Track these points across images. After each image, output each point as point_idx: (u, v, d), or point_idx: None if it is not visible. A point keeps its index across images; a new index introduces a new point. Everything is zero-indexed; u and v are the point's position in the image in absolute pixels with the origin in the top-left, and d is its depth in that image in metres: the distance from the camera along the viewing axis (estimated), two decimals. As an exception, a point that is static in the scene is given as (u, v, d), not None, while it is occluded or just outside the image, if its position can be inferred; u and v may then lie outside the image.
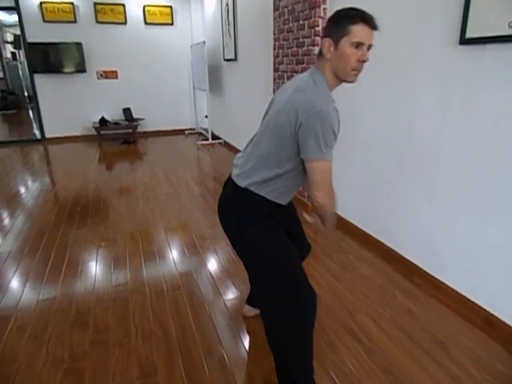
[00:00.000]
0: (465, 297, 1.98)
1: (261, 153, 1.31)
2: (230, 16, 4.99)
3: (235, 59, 5.10)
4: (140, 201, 3.67)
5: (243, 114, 5.18)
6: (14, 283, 2.27)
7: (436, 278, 2.14)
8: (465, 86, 1.83)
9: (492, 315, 1.83)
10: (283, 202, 1.38)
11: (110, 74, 6.67)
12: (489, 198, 1.79)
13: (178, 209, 3.48)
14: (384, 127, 2.42)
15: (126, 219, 3.23)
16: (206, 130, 6.56)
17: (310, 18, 2.94)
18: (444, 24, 1.89)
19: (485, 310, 1.87)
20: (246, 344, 1.79)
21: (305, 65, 3.12)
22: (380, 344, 1.77)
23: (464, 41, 1.79)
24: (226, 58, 5.51)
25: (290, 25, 3.28)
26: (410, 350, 1.74)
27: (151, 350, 1.72)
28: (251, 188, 1.32)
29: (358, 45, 1.17)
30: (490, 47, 1.69)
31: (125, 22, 6.50)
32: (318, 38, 2.92)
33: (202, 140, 6.52)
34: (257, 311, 1.97)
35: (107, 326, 1.88)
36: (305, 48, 3.09)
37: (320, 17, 2.87)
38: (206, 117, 7.07)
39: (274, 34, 3.61)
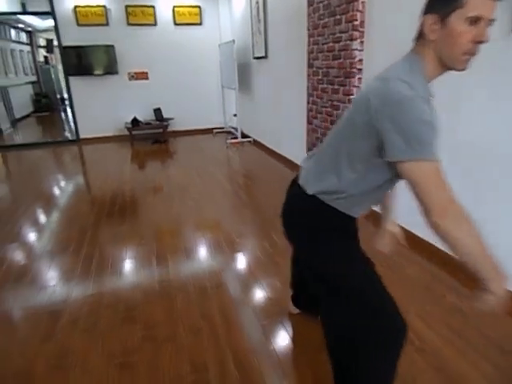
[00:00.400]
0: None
1: (331, 154, 1.13)
2: (261, 13, 4.97)
3: (265, 57, 5.08)
4: (175, 199, 3.72)
5: (273, 112, 5.16)
6: (63, 279, 2.35)
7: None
8: (521, 77, 1.76)
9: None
10: (355, 214, 1.21)
11: (140, 75, 6.80)
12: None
13: (213, 207, 3.50)
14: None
15: (162, 218, 3.28)
16: (235, 129, 6.59)
17: (348, 12, 2.89)
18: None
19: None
20: (293, 341, 1.78)
21: (342, 60, 3.07)
22: (431, 343, 1.72)
23: (521, 29, 1.71)
24: (255, 56, 5.50)
25: (326, 20, 3.23)
26: (461, 348, 1.68)
27: (201, 346, 1.74)
28: (320, 196, 1.15)
29: (476, 20, 0.91)
30: (551, 35, 1.61)
31: (155, 24, 6.60)
32: (356, 33, 2.86)
33: (231, 138, 6.55)
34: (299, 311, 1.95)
35: (155, 321, 1.92)
36: (342, 43, 3.04)
37: (358, 10, 2.82)
38: (235, 115, 7.09)
39: (309, 29, 3.57)
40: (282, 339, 1.79)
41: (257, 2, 5.05)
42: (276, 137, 5.19)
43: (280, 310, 1.99)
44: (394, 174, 1.03)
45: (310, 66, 3.66)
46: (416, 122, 0.90)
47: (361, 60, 2.94)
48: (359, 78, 2.99)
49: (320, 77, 3.49)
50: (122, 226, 3.11)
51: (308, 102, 3.81)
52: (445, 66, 1.01)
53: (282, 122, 4.85)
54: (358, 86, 3.00)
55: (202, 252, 2.65)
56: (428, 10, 0.97)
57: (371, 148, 1.01)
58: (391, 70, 1.02)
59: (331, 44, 3.21)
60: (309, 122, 3.85)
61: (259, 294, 2.14)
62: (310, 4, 3.48)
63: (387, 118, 0.93)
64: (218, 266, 2.46)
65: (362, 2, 2.81)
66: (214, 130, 7.33)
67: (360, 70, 2.96)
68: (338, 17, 3.03)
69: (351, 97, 3.02)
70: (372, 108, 0.96)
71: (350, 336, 1.20)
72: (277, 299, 2.08)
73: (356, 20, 2.84)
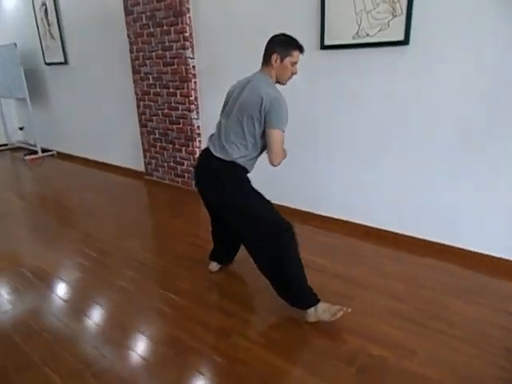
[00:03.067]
0: (344, 220, 2.90)
1: (236, 133, 1.81)
2: (52, 17, 4.64)
3: (65, 63, 4.79)
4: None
5: (89, 120, 4.93)
6: None
7: (322, 215, 3.01)
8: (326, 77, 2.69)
9: (369, 227, 2.80)
10: (250, 169, 1.95)
11: None
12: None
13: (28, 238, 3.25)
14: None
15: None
16: (29, 144, 5.81)
17: (177, 24, 3.29)
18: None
19: (363, 225, 2.82)
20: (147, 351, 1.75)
21: (176, 66, 3.45)
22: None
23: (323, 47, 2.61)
24: (48, 61, 5.05)
25: (151, 30, 3.52)
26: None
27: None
28: (236, 160, 1.83)
29: (294, 63, 1.84)
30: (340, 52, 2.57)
31: None
32: (187, 43, 3.31)
33: (27, 155, 5.72)
34: (219, 266, 2.38)
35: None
36: (174, 51, 3.42)
37: (187, 24, 3.27)
38: (21, 128, 6.24)
39: (130, 37, 3.74)
40: (121, 353, 1.75)
41: (43, 4, 4.66)
42: (98, 145, 4.99)
43: (112, 324, 1.94)
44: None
45: (136, 72, 3.84)
46: (282, 110, 1.73)
47: (194, 66, 3.42)
48: (195, 82, 3.46)
49: (151, 81, 3.74)
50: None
51: (139, 106, 3.98)
52: (277, 81, 1.87)
53: (106, 130, 4.74)
54: (195, 89, 3.48)
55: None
56: (274, 50, 1.80)
57: (260, 126, 1.77)
58: (260, 81, 1.80)
59: (160, 52, 3.53)
60: (143, 125, 4.03)
61: (80, 323, 1.94)
62: (128, 13, 3.65)
63: (271, 107, 1.71)
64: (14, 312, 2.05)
65: (189, 17, 3.28)
66: (-4, 149, 6.17)
67: (194, 74, 3.44)
68: (166, 28, 3.38)
69: (191, 98, 3.46)
70: (263, 104, 1.71)
71: (265, 244, 1.83)
72: (101, 319, 1.99)
73: (186, 32, 3.28)
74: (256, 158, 1.93)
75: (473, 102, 2.18)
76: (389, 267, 2.41)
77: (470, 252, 2.41)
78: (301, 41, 2.71)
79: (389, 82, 2.44)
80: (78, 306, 2.09)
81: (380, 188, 2.69)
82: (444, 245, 2.50)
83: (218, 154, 1.86)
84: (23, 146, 6.09)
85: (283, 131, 1.76)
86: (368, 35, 2.40)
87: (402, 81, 2.38)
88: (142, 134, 4.09)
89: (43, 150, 5.78)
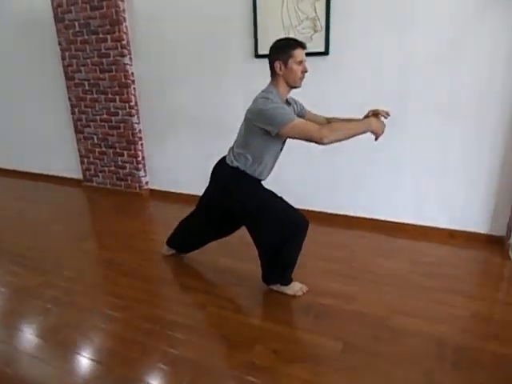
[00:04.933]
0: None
1: (242, 145, 1.95)
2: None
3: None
4: None
5: (11, 129, 4.70)
6: None
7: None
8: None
9: (306, 210, 3.25)
10: (261, 177, 2.05)
11: None
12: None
13: None
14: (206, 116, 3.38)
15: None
16: None
17: (114, 32, 3.41)
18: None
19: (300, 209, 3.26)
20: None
21: (114, 73, 3.56)
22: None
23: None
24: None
25: (86, 37, 3.57)
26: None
27: None
28: (241, 168, 1.97)
29: (300, 62, 1.80)
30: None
31: None
32: (125, 50, 3.45)
33: None
34: (173, 251, 2.60)
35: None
36: (111, 58, 3.53)
37: (124, 32, 3.41)
38: None
39: (61, 44, 3.73)
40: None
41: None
42: (25, 155, 4.77)
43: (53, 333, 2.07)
44: (277, 148, 1.97)
45: (69, 78, 3.83)
46: (270, 110, 1.74)
47: (133, 73, 3.57)
48: (134, 88, 3.61)
49: (87, 88, 3.77)
50: None
51: (73, 113, 3.97)
52: (290, 87, 1.89)
53: (34, 138, 4.55)
54: (135, 94, 3.62)
55: None
56: (274, 58, 1.82)
57: (261, 135, 1.85)
58: (258, 94, 1.86)
59: (96, 59, 3.60)
60: (79, 132, 4.02)
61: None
62: (58, 20, 3.64)
63: (258, 118, 1.80)
64: None
65: (126, 26, 3.42)
66: None
67: (134, 80, 3.59)
68: (102, 36, 3.48)
69: (131, 103, 3.60)
70: (252, 116, 1.84)
71: (276, 237, 1.97)
72: (37, 331, 1.90)
73: (123, 40, 3.42)
74: (265, 167, 1.99)
75: (381, 96, 2.73)
76: (326, 240, 2.87)
77: (387, 222, 2.99)
78: (238, 50, 3.12)
79: (314, 85, 2.89)
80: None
81: (312, 176, 3.15)
82: (367, 218, 3.05)
83: (228, 162, 2.01)
84: None
85: (291, 121, 1.71)
86: (295, 46, 2.84)
87: (325, 83, 2.86)
88: (78, 140, 4.08)
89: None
